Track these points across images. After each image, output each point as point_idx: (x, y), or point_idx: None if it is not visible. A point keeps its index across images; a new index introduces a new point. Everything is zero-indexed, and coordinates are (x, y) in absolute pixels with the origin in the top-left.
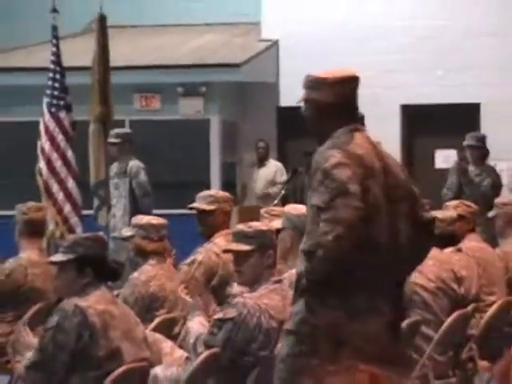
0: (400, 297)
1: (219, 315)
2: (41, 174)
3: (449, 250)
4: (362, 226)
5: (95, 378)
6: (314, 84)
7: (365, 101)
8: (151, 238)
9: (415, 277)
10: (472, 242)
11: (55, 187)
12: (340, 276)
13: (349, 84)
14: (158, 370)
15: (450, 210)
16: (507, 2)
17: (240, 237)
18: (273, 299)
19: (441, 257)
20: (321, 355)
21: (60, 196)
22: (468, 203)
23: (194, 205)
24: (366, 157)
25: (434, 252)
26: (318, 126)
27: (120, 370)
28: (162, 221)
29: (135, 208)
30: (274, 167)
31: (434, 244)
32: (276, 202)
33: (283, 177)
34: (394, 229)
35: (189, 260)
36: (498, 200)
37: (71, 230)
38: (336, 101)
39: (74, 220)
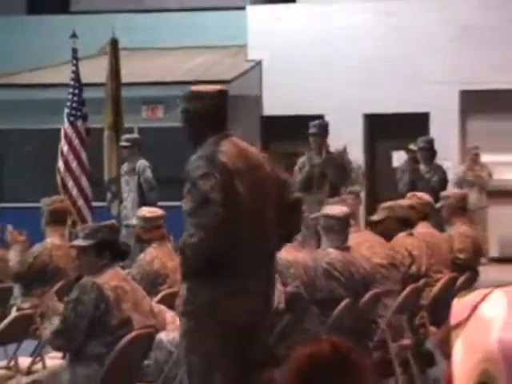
0: (270, 275)
1: None
2: (59, 172)
3: (402, 234)
4: (225, 224)
5: (109, 342)
6: (189, 96)
7: (333, 110)
8: (146, 227)
9: (373, 257)
10: (423, 229)
11: (70, 183)
12: (211, 265)
13: (218, 97)
14: (162, 335)
15: (406, 200)
16: (454, 23)
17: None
18: None
19: (396, 240)
20: (203, 330)
21: (74, 191)
22: (420, 195)
23: None
24: (230, 162)
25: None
26: (193, 133)
27: (130, 335)
28: (158, 213)
29: (143, 200)
30: None
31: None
32: None
33: None
34: (260, 217)
35: None
36: (443, 193)
37: (83, 220)
38: (206, 111)
39: (86, 211)
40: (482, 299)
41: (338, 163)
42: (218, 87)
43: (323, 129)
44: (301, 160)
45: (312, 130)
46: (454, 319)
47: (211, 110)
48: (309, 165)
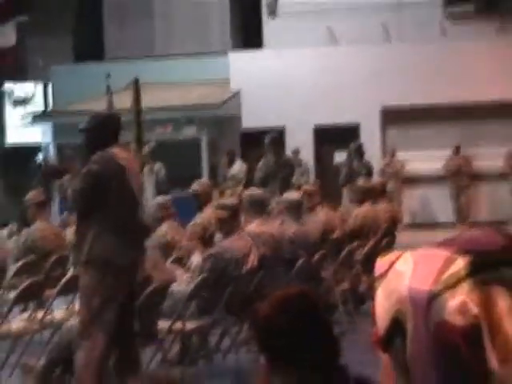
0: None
1: (205, 254)
2: None
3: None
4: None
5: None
6: (88, 120)
7: (291, 123)
8: (160, 211)
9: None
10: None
11: None
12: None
13: (111, 120)
14: (173, 287)
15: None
16: (371, 64)
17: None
18: (237, 241)
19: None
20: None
21: None
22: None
23: (192, 188)
24: (104, 170)
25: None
26: (89, 147)
27: (150, 287)
28: (167, 200)
29: (159, 192)
30: (238, 166)
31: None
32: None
33: (243, 170)
34: (134, 195)
35: (192, 222)
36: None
37: None
38: (96, 132)
39: None
40: (397, 258)
41: (288, 163)
42: (106, 114)
43: (275, 139)
44: (260, 162)
45: (267, 140)
46: (376, 272)
47: (98, 131)
48: (265, 165)
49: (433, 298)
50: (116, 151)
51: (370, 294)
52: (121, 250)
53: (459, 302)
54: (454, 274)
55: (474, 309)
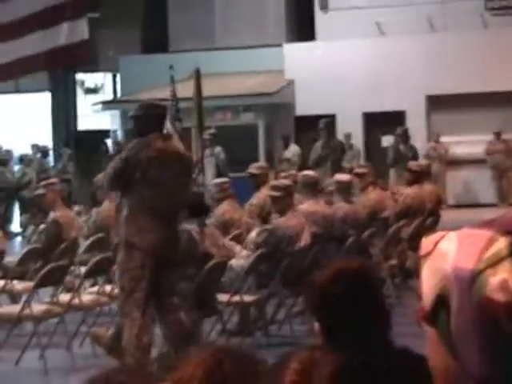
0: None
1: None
2: None
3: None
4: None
5: (198, 267)
6: (136, 108)
7: (341, 110)
8: (215, 192)
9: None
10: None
11: None
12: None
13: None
14: (232, 262)
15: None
16: (421, 51)
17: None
18: (290, 219)
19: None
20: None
21: None
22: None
23: (249, 170)
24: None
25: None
26: (136, 133)
27: (210, 263)
28: (226, 181)
29: (219, 174)
30: (292, 149)
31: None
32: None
33: (297, 153)
34: (162, 180)
35: (249, 202)
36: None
37: None
38: (141, 120)
39: None
40: (441, 238)
41: (339, 147)
42: (156, 103)
43: (328, 124)
44: (314, 146)
45: (320, 125)
46: (422, 251)
47: (148, 117)
48: (318, 149)
49: (476, 275)
50: (154, 138)
51: (415, 270)
52: (146, 232)
53: (500, 279)
54: (496, 254)
55: None
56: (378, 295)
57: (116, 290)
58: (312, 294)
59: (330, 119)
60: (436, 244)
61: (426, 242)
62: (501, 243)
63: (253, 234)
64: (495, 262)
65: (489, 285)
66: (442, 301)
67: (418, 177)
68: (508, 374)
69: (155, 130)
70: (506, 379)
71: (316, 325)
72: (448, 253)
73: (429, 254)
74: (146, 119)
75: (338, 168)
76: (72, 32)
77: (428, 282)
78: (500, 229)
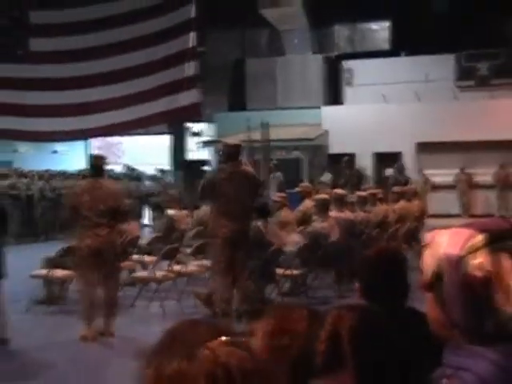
0: (246, 216)
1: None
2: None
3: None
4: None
5: (261, 254)
6: (221, 147)
7: (359, 150)
8: (276, 202)
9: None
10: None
11: None
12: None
13: (233, 147)
14: (286, 248)
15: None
16: (415, 108)
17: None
18: (325, 221)
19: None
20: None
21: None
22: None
23: (298, 188)
24: (220, 174)
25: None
26: (224, 161)
27: (271, 248)
28: (282, 194)
29: (279, 190)
30: (326, 175)
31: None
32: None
33: (329, 178)
34: (234, 192)
35: (297, 209)
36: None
37: None
38: (223, 154)
39: None
40: (437, 233)
41: (358, 174)
42: (235, 142)
43: (350, 160)
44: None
45: (344, 160)
46: (424, 242)
47: (227, 151)
48: (343, 175)
49: (461, 258)
50: (229, 166)
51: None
52: (222, 228)
53: (478, 262)
54: (475, 244)
55: (488, 266)
56: (402, 269)
57: (209, 264)
58: (359, 262)
59: (351, 157)
60: (433, 237)
61: (427, 236)
62: (478, 238)
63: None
64: (474, 250)
65: (470, 265)
66: (437, 275)
67: (400, 196)
68: (479, 322)
69: (233, 160)
70: (478, 326)
71: (357, 285)
72: (442, 243)
73: (429, 244)
74: (227, 153)
75: (357, 188)
76: (188, 98)
77: (428, 262)
78: (477, 228)
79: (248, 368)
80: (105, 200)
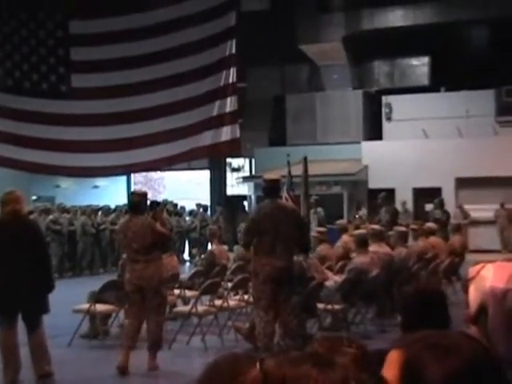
0: (288, 252)
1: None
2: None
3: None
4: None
5: (303, 290)
6: (262, 182)
7: (398, 186)
8: (317, 237)
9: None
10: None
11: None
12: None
13: (273, 182)
14: (327, 283)
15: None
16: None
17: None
18: (365, 256)
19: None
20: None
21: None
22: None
23: (337, 224)
24: (261, 211)
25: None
26: (264, 196)
27: (313, 282)
28: (322, 229)
29: (319, 225)
30: (364, 210)
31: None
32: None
33: (366, 213)
34: (275, 228)
35: (337, 244)
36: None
37: None
38: (269, 188)
39: None
40: (482, 267)
41: (394, 210)
42: (274, 177)
43: (386, 195)
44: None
45: (381, 196)
46: (469, 275)
47: (266, 186)
48: (382, 211)
49: (506, 292)
50: (269, 203)
51: (464, 291)
52: (264, 266)
53: None
54: None
55: None
56: (443, 306)
57: (251, 299)
58: (401, 298)
59: (387, 193)
60: (479, 271)
61: (472, 270)
62: None
63: (339, 265)
64: None
65: None
66: (482, 308)
67: (421, 233)
68: None
69: (273, 195)
70: None
71: (399, 319)
72: (487, 277)
73: (474, 277)
74: (267, 188)
75: (395, 223)
76: (229, 133)
77: (473, 296)
78: None
79: None
80: (140, 237)
